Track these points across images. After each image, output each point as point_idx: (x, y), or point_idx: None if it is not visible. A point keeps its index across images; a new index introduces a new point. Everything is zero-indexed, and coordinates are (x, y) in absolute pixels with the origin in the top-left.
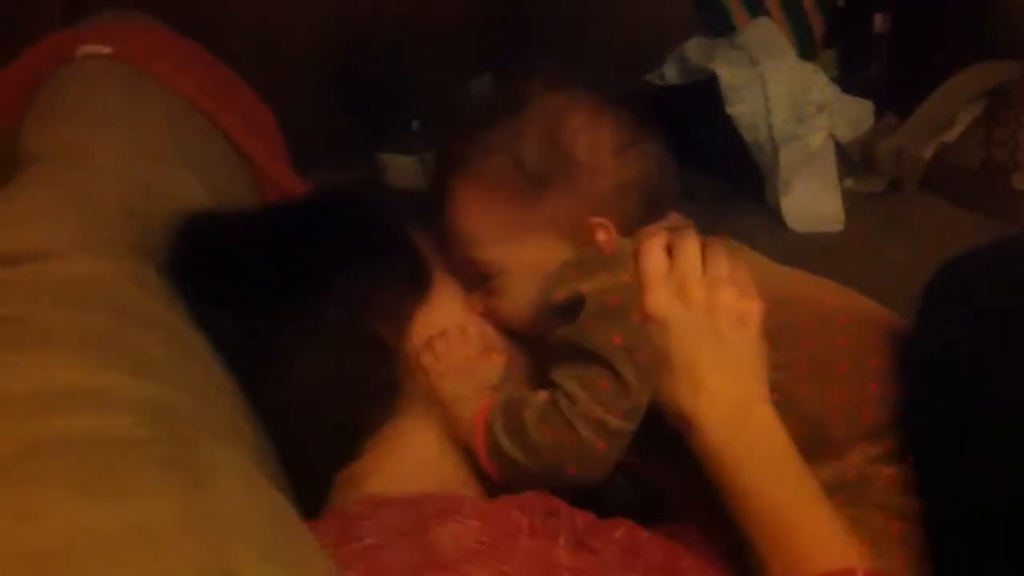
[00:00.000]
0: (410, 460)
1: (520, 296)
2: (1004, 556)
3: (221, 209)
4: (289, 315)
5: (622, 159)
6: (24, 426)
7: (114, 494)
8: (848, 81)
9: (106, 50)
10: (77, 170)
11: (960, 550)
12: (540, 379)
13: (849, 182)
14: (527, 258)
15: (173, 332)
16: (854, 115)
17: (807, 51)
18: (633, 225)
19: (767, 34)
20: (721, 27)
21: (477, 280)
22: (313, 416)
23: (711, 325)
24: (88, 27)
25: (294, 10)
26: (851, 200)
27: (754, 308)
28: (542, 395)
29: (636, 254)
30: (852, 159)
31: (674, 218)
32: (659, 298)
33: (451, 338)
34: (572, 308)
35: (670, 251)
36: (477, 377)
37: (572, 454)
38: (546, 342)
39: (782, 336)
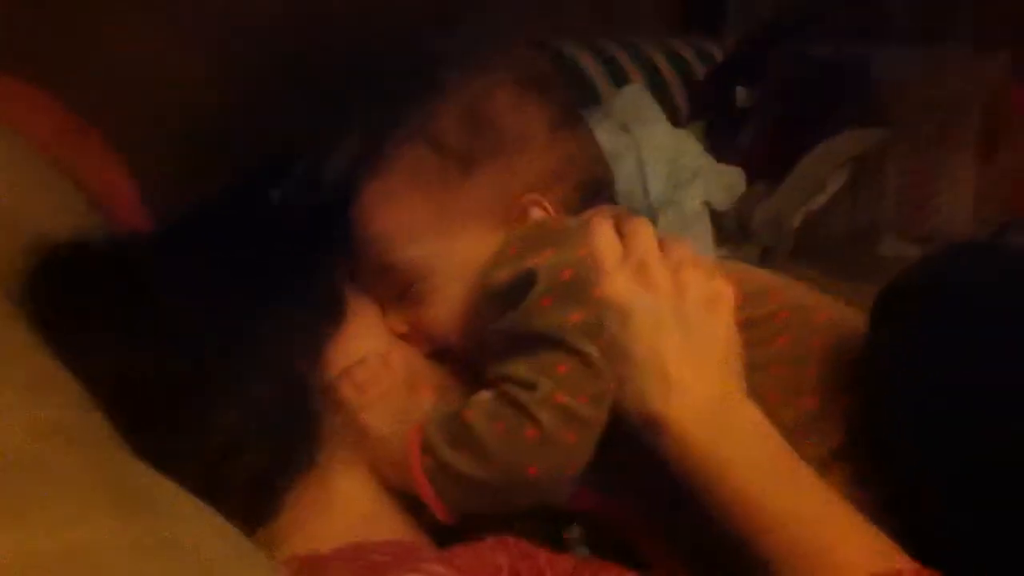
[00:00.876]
0: (341, 515)
1: (450, 299)
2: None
3: (90, 235)
4: (184, 352)
5: (554, 137)
6: None
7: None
8: (717, 152)
9: None
10: None
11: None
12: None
13: (723, 251)
14: (455, 253)
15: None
16: (727, 182)
17: (672, 123)
18: (570, 212)
19: (638, 101)
20: (586, 100)
21: (396, 293)
22: (217, 471)
23: (678, 311)
24: None
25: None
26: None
27: (725, 291)
28: (484, 393)
29: (584, 233)
30: (726, 227)
31: (614, 209)
32: (616, 281)
33: (373, 366)
34: (516, 293)
35: (620, 234)
36: (404, 410)
37: (534, 452)
38: (484, 349)
39: (755, 330)
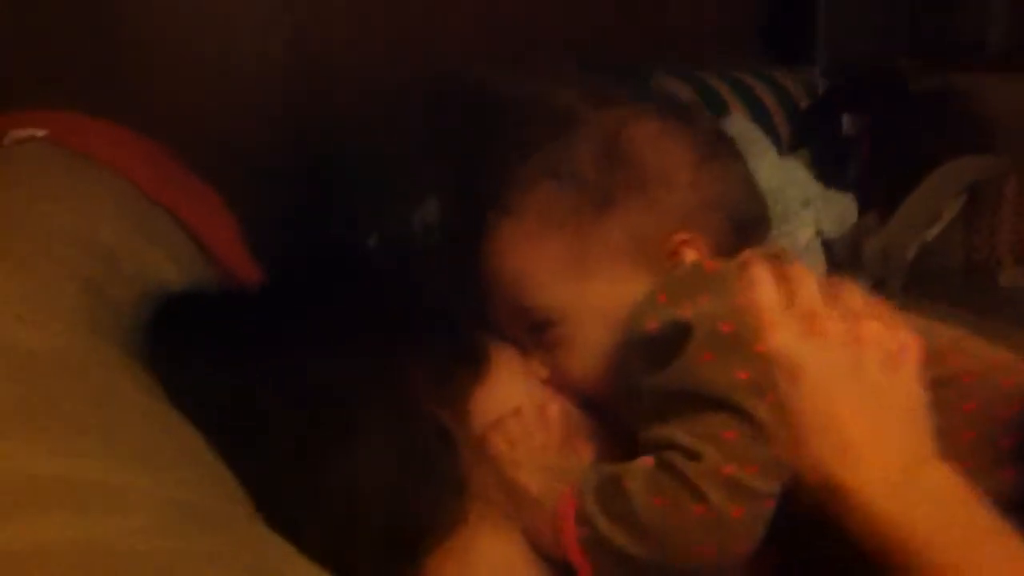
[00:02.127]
0: None
1: (590, 345)
2: None
3: (204, 288)
4: (315, 405)
5: (701, 172)
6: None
7: None
8: (824, 181)
9: (40, 133)
10: (24, 242)
11: None
12: (630, 450)
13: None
14: (595, 295)
15: (161, 419)
16: (838, 211)
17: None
18: (723, 252)
19: (744, 131)
20: None
21: (533, 338)
22: (349, 534)
23: (856, 367)
24: (15, 114)
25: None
26: None
27: (910, 343)
28: (645, 460)
29: (742, 279)
30: (837, 256)
31: (771, 249)
32: (783, 333)
33: (528, 419)
34: (666, 345)
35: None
36: (560, 468)
37: (700, 531)
38: (632, 400)
39: (942, 393)
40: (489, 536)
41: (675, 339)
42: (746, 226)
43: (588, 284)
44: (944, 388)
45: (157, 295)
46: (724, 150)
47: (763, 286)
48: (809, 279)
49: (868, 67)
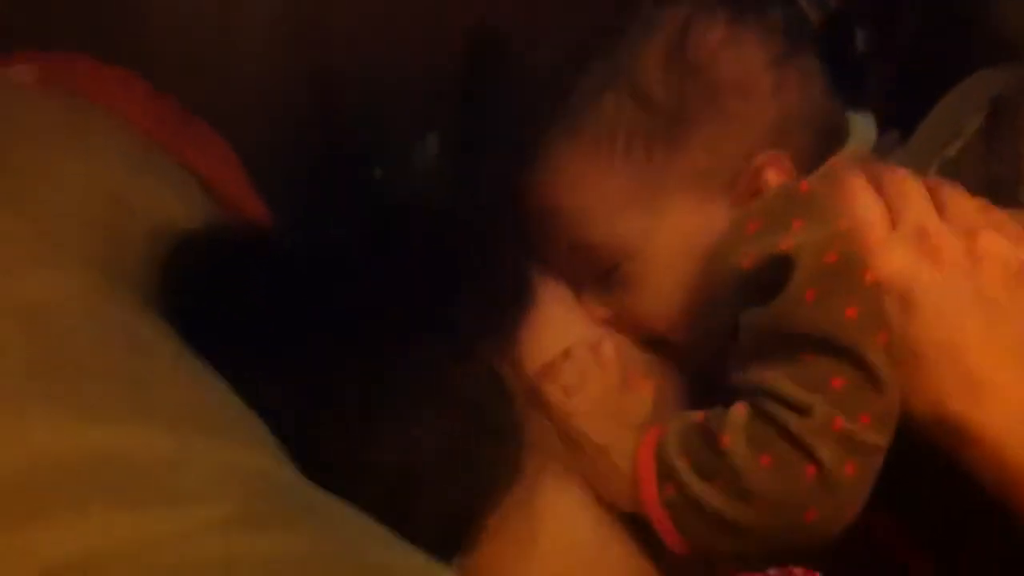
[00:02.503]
0: (554, 551)
1: (666, 282)
2: None
3: (220, 228)
4: (373, 359)
5: (781, 78)
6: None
7: None
8: (842, 100)
9: (30, 76)
10: (27, 183)
11: None
12: (715, 397)
13: None
14: (670, 228)
15: (193, 371)
16: (859, 130)
17: None
18: (807, 170)
19: None
20: None
21: (595, 275)
22: (402, 496)
23: (979, 289)
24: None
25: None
26: None
27: None
28: (741, 409)
29: (840, 198)
30: None
31: (860, 156)
32: (893, 256)
33: (581, 362)
34: (763, 281)
35: (880, 192)
36: (624, 412)
37: (812, 493)
38: (716, 339)
39: None
40: (552, 488)
41: (773, 274)
42: (829, 137)
43: (662, 215)
44: None
45: (171, 235)
46: (802, 47)
47: (865, 201)
48: (913, 186)
49: None
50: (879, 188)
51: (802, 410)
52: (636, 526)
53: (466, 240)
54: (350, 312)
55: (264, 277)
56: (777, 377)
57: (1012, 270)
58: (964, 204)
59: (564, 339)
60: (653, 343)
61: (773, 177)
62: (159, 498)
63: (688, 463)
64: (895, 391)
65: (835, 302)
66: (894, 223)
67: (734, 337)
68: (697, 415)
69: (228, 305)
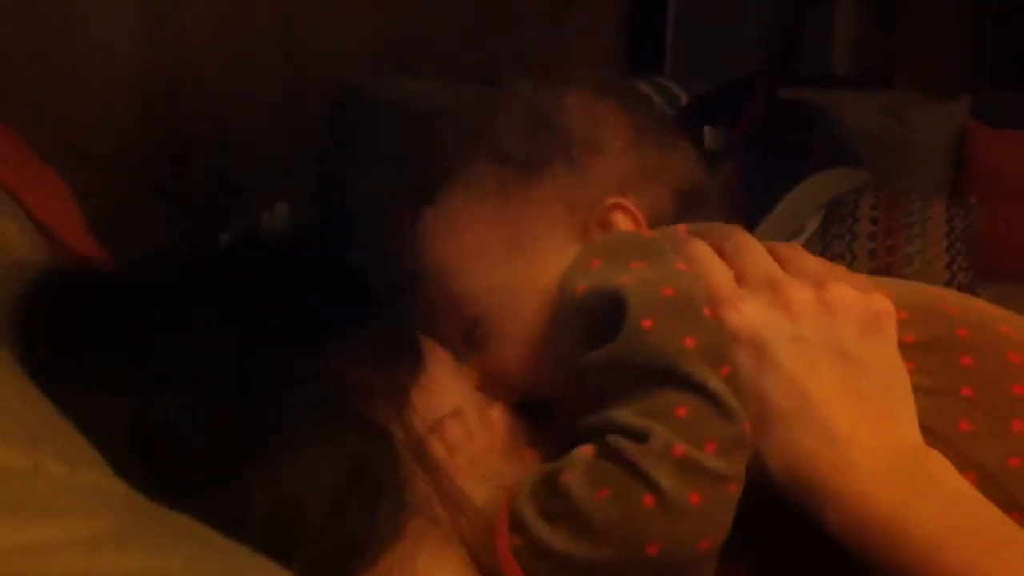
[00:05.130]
0: None
1: (526, 330)
2: None
3: (88, 265)
4: (248, 411)
5: (637, 140)
6: None
7: None
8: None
9: None
10: None
11: None
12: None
13: None
14: (527, 274)
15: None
16: None
17: None
18: (664, 223)
19: None
20: None
21: (462, 335)
22: (287, 542)
23: (833, 339)
24: None
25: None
26: None
27: (885, 307)
28: (586, 449)
29: (679, 245)
30: None
31: (706, 225)
32: (747, 306)
33: (469, 422)
34: (602, 319)
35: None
36: (505, 476)
37: (654, 523)
38: (575, 389)
39: (931, 353)
40: (431, 555)
41: (611, 311)
42: (689, 199)
43: (519, 262)
44: (938, 346)
45: (20, 272)
46: (666, 126)
47: (709, 259)
48: (753, 242)
49: (730, 80)
50: (720, 251)
51: (640, 437)
52: None
53: (349, 295)
54: (225, 361)
55: (124, 331)
56: (619, 412)
57: (863, 320)
58: (805, 259)
59: (454, 399)
60: (534, 411)
61: (621, 220)
62: (16, 509)
63: (535, 509)
64: (744, 421)
65: (673, 332)
66: (740, 279)
67: (580, 383)
68: (548, 464)
69: (82, 355)
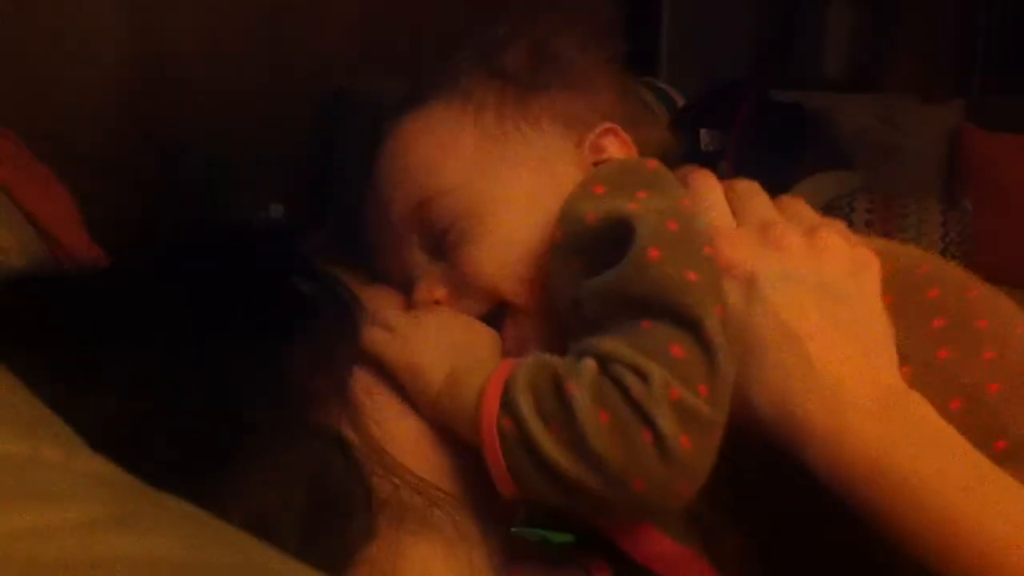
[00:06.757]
0: None
1: (506, 239)
2: None
3: (45, 268)
4: (204, 420)
5: (624, 91)
6: None
7: None
8: None
9: None
10: None
11: None
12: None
13: None
14: (512, 185)
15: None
16: None
17: None
18: (649, 155)
19: None
20: None
21: (433, 242)
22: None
23: (820, 277)
24: None
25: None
26: None
27: (871, 258)
28: (591, 364)
29: (684, 182)
30: None
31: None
32: (740, 242)
33: (406, 303)
34: (606, 244)
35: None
36: (472, 346)
37: (645, 460)
38: (560, 309)
39: (896, 287)
40: (409, 543)
41: (615, 236)
42: (668, 138)
43: (507, 171)
44: (913, 306)
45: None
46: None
47: (710, 192)
48: (757, 189)
49: (725, 82)
50: (725, 190)
51: (643, 376)
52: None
53: (291, 281)
54: (180, 363)
55: (82, 328)
56: (617, 343)
57: (850, 265)
58: (803, 208)
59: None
60: (498, 320)
61: (613, 145)
62: (14, 494)
63: (531, 400)
64: (731, 366)
65: (677, 264)
66: (738, 218)
67: (576, 309)
68: (554, 358)
69: (38, 351)
